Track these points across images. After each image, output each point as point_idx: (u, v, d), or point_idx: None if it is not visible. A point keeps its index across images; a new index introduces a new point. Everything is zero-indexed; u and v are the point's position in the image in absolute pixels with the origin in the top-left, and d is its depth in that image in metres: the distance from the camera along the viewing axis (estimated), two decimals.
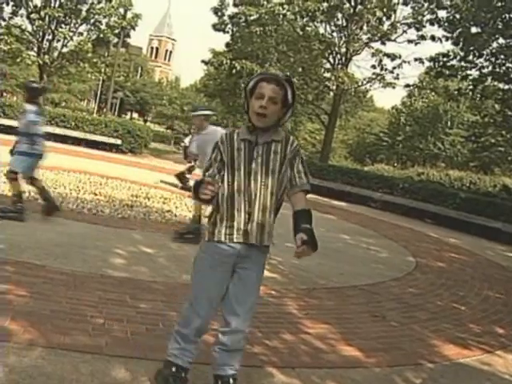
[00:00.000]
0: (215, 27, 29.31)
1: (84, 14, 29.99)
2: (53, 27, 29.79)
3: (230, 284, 2.99)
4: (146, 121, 76.86)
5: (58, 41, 30.53)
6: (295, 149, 2.99)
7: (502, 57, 20.34)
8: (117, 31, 30.71)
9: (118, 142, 24.34)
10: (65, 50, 30.97)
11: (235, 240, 2.91)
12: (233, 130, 3.06)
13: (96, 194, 10.47)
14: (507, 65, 20.47)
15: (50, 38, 30.25)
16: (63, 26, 30.30)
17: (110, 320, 4.11)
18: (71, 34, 30.29)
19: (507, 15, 19.36)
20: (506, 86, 21.40)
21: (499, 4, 19.29)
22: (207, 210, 7.40)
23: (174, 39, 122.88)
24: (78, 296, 4.54)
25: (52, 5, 29.28)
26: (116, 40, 31.75)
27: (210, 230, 3.01)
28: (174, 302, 4.85)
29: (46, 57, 29.69)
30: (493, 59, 20.74)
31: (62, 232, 6.94)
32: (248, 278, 2.99)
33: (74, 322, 3.95)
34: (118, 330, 3.95)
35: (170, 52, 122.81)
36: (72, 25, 30.45)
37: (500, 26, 19.57)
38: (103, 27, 30.51)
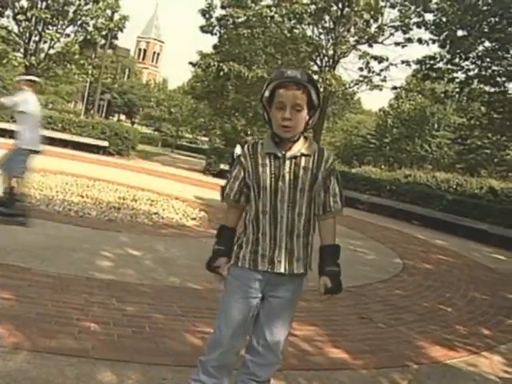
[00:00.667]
0: (203, 29, 29.26)
1: (71, 15, 29.88)
2: (39, 28, 29.69)
3: (260, 312, 2.66)
4: (133, 123, 76.58)
5: (45, 42, 30.42)
6: (331, 166, 2.62)
7: (488, 60, 20.50)
8: (104, 33, 30.62)
9: (106, 144, 24.27)
10: (52, 51, 30.91)
11: (260, 268, 2.59)
12: (255, 142, 2.69)
13: (83, 196, 10.43)
14: (493, 68, 20.64)
15: (37, 39, 30.14)
16: (50, 27, 30.18)
17: (96, 323, 4.09)
18: (58, 35, 30.17)
19: (493, 19, 19.52)
20: (492, 89, 21.57)
21: (485, 8, 19.45)
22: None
23: (161, 41, 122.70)
24: (64, 299, 4.52)
25: (39, 6, 29.16)
26: (103, 42, 31.67)
27: (235, 254, 2.68)
28: (160, 304, 4.84)
29: (33, 58, 29.55)
30: (479, 62, 20.89)
31: (48, 234, 6.90)
32: (280, 307, 2.65)
33: (60, 325, 3.93)
34: (105, 333, 3.93)
35: (158, 54, 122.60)
36: (59, 26, 30.33)
37: (486, 30, 19.72)
38: (90, 29, 30.41)
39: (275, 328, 2.65)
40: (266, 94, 2.56)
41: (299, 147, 2.58)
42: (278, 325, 2.66)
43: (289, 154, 2.56)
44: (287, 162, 2.55)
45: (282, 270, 2.57)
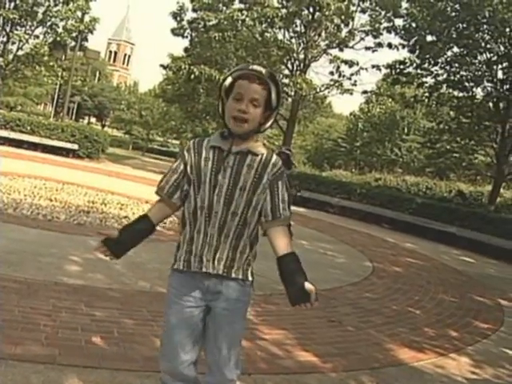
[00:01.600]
0: (174, 32, 29.22)
1: (40, 16, 29.46)
2: (7, 29, 29.26)
3: (208, 325, 2.51)
4: (103, 125, 76.10)
5: (13, 43, 29.98)
6: (279, 171, 2.47)
7: (456, 65, 20.83)
8: (74, 34, 30.30)
9: (75, 147, 24.05)
10: (20, 52, 30.44)
11: (193, 268, 2.44)
12: (202, 138, 2.57)
13: (51, 200, 10.31)
14: (461, 73, 20.97)
15: (5, 40, 29.68)
16: (18, 28, 29.76)
17: (63, 328, 4.05)
18: (27, 36, 29.77)
19: (461, 25, 19.84)
20: (461, 94, 21.89)
21: (453, 14, 19.76)
22: None
23: (132, 43, 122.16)
24: (31, 304, 4.46)
25: (6, 6, 28.76)
26: (73, 43, 31.35)
27: (174, 256, 2.55)
28: (129, 309, 4.82)
29: (1, 59, 29.15)
30: (448, 67, 21.21)
31: (16, 239, 6.80)
32: (224, 318, 2.47)
33: (27, 331, 3.88)
34: (72, 339, 3.89)
35: (129, 56, 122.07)
36: (27, 27, 29.91)
37: (454, 36, 20.04)
38: (60, 30, 30.02)
39: (221, 342, 2.48)
40: (227, 82, 2.45)
41: (248, 144, 2.45)
42: (223, 339, 2.48)
43: (234, 148, 2.43)
44: (231, 157, 2.42)
45: (210, 270, 2.41)
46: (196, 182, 2.45)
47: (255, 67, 2.41)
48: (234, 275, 2.45)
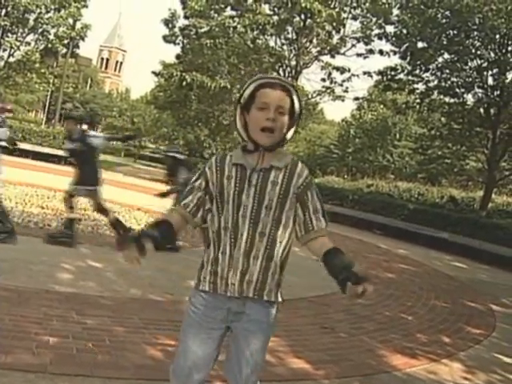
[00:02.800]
0: (166, 39, 29.25)
1: (31, 23, 29.46)
2: None
3: (231, 345, 2.45)
4: None
5: (5, 50, 29.95)
6: (306, 181, 2.38)
7: (447, 71, 20.90)
8: (66, 41, 30.26)
9: (67, 154, 23.95)
10: (11, 59, 30.40)
11: (219, 291, 2.36)
12: (225, 154, 2.45)
13: (43, 208, 10.29)
14: (452, 79, 21.03)
15: None
16: (10, 34, 29.73)
17: (54, 337, 4.02)
18: (18, 43, 29.73)
19: (451, 31, 19.92)
20: (452, 100, 21.96)
21: (444, 21, 19.85)
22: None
23: (124, 50, 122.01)
24: (22, 313, 4.44)
25: None
26: (65, 50, 31.30)
27: (198, 274, 2.45)
28: (121, 317, 4.80)
29: None
30: (439, 73, 21.28)
31: (7, 246, 6.77)
32: (245, 340, 2.39)
33: (18, 339, 3.85)
34: (63, 347, 3.87)
35: (121, 63, 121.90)
36: (19, 34, 29.89)
37: (445, 42, 20.13)
38: (51, 37, 30.02)
39: (243, 365, 2.41)
40: (248, 92, 2.33)
41: (271, 158, 2.34)
42: (245, 362, 2.40)
43: (258, 165, 2.32)
44: (254, 175, 2.31)
45: (236, 294, 2.33)
46: (219, 202, 2.35)
47: (275, 75, 2.41)
48: (266, 298, 2.36)
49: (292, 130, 2.42)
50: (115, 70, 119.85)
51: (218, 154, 2.48)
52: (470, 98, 21.57)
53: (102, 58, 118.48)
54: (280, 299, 2.42)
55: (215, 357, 2.44)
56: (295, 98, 2.35)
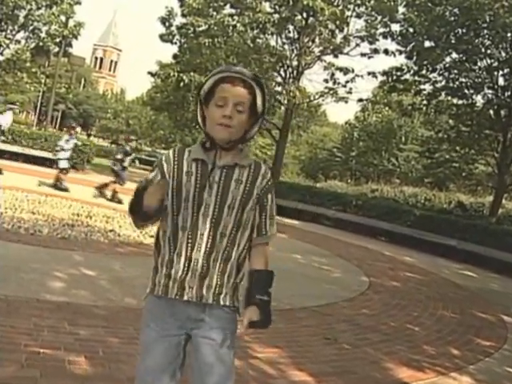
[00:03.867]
0: (162, 38, 29.24)
1: (22, 20, 29.41)
2: None
3: (192, 355, 2.33)
4: (89, 135, 76.01)
5: None
6: (268, 183, 2.36)
7: (456, 71, 20.89)
8: (58, 40, 30.22)
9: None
10: (0, 58, 30.38)
11: (170, 295, 2.28)
12: (182, 147, 2.41)
13: (34, 213, 10.26)
14: (460, 80, 21.02)
15: None
16: None
17: (45, 348, 4.00)
18: (7, 41, 29.70)
19: (460, 30, 19.91)
20: (460, 101, 21.95)
21: (452, 18, 19.84)
22: None
23: (119, 49, 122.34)
24: (12, 323, 4.42)
25: None
26: (57, 49, 31.29)
27: (151, 279, 2.38)
28: (115, 327, 4.78)
29: None
30: (446, 74, 21.28)
31: None
32: (209, 350, 2.27)
33: (6, 352, 3.83)
34: (55, 359, 3.85)
35: (116, 63, 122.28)
36: (8, 31, 29.86)
37: (453, 41, 20.11)
38: (43, 35, 29.99)
39: (208, 377, 2.27)
40: (207, 85, 2.28)
41: (234, 156, 2.30)
42: (211, 375, 2.27)
43: (220, 162, 2.28)
44: (217, 171, 2.27)
45: (195, 299, 2.26)
46: (176, 199, 2.28)
47: (238, 69, 2.28)
48: (222, 302, 2.29)
49: (255, 129, 2.37)
50: (110, 69, 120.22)
51: (176, 147, 2.43)
52: (479, 100, 21.60)
53: (96, 58, 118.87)
54: (236, 304, 2.35)
55: (179, 365, 2.34)
56: (258, 94, 2.29)
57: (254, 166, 2.34)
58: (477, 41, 19.90)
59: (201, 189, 2.25)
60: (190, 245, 2.26)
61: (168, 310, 2.30)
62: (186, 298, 2.26)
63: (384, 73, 23.25)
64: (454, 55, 20.84)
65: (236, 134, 2.27)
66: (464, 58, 20.45)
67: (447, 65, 20.97)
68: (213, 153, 2.30)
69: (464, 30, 19.81)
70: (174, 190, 2.28)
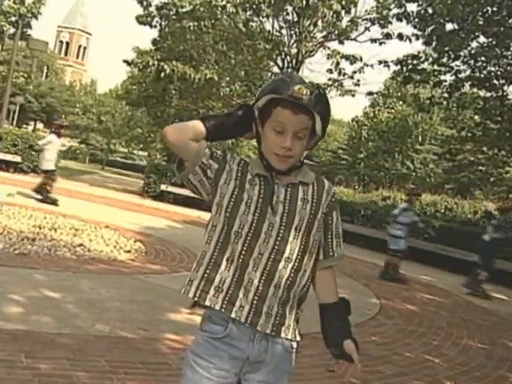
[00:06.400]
0: (140, 20, 29.23)
1: None
2: None
3: None
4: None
5: None
6: (332, 199, 2.45)
7: (483, 59, 20.73)
8: (13, 19, 29.99)
9: (18, 159, 23.89)
10: None
11: (208, 302, 2.31)
12: (245, 160, 2.45)
13: None
14: (489, 68, 20.87)
15: None
16: None
17: None
18: None
19: (490, 8, 19.63)
20: (488, 94, 21.84)
21: None
22: None
23: (88, 33, 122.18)
24: None
25: None
26: (12, 30, 31.13)
27: (187, 282, 2.38)
28: (83, 359, 4.75)
29: None
30: (471, 62, 21.14)
31: None
32: None
33: None
34: None
35: (84, 48, 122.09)
36: None
37: (481, 22, 19.92)
38: None
39: None
40: (262, 102, 2.29)
41: (295, 174, 2.38)
42: None
43: (284, 180, 2.35)
44: (281, 190, 2.33)
45: (243, 319, 2.27)
46: (234, 198, 2.32)
47: (299, 90, 2.22)
48: (283, 334, 2.34)
49: (312, 144, 2.43)
50: (77, 56, 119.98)
51: (241, 159, 2.44)
52: (511, 91, 21.54)
53: (61, 42, 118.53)
54: (299, 338, 2.42)
55: None
56: (317, 120, 2.30)
57: (317, 182, 2.43)
58: (510, 21, 19.78)
59: (264, 204, 2.30)
60: (243, 258, 2.29)
61: (224, 346, 2.31)
62: (234, 316, 2.27)
63: (398, 61, 23.18)
64: (482, 39, 20.61)
65: (293, 163, 2.35)
66: (494, 43, 20.23)
67: (473, 51, 20.78)
68: (269, 172, 2.34)
69: (494, 9, 19.61)
70: (231, 195, 2.32)
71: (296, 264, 2.33)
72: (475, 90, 22.30)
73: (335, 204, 2.46)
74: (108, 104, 62.82)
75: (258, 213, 2.29)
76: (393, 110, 54.33)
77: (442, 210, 24.61)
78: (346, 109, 78.34)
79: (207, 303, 2.29)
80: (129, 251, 10.53)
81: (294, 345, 2.41)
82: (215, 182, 2.34)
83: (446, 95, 22.88)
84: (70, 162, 43.33)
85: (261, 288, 2.28)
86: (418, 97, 26.98)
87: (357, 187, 36.81)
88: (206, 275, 2.32)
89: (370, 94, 28.80)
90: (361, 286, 11.09)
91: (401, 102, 46.02)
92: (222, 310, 2.27)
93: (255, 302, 2.28)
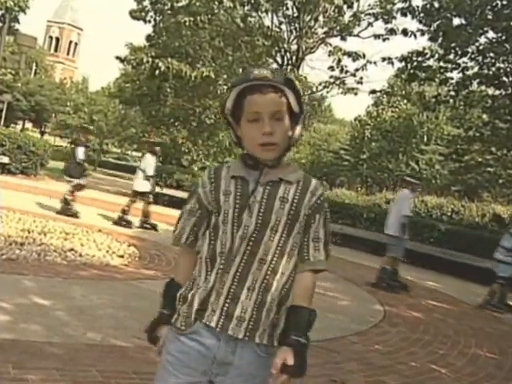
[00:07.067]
0: (133, 15, 29.25)
1: None
2: None
3: None
4: (43, 133, 75.99)
5: None
6: (318, 201, 2.42)
7: (492, 55, 20.70)
8: (0, 13, 30.02)
9: (5, 160, 23.86)
10: None
11: (194, 327, 2.36)
12: (220, 165, 2.50)
13: None
14: (497, 65, 20.83)
15: None
16: None
17: None
18: None
19: (499, 2, 19.57)
20: (497, 92, 21.82)
21: None
22: None
23: (79, 28, 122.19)
24: None
25: None
26: None
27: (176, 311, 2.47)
28: (74, 369, 4.74)
29: None
30: (480, 58, 21.11)
31: None
32: None
33: None
34: None
35: (75, 44, 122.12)
36: None
37: (490, 17, 19.88)
38: None
39: None
40: (229, 104, 2.37)
41: (279, 171, 2.37)
42: None
43: (263, 178, 2.35)
44: (259, 189, 2.33)
45: (213, 324, 2.32)
46: (215, 223, 2.39)
47: (260, 72, 2.30)
48: (257, 340, 2.33)
49: (298, 130, 2.44)
50: (68, 53, 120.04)
51: (212, 167, 2.52)
52: None
53: (51, 37, 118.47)
54: (275, 344, 2.38)
55: None
56: (290, 94, 2.35)
57: (303, 181, 2.41)
58: None
59: (240, 209, 2.33)
60: (220, 270, 2.34)
61: (193, 348, 2.36)
62: (205, 321, 2.33)
63: (402, 58, 23.15)
64: (491, 34, 20.49)
65: (282, 146, 2.37)
66: (503, 38, 20.19)
67: (481, 47, 20.70)
68: (256, 171, 2.37)
69: (504, 2, 19.53)
70: (211, 214, 2.41)
71: (272, 266, 2.34)
72: (483, 87, 22.25)
73: (321, 207, 2.44)
74: (100, 103, 62.77)
75: (236, 220, 2.32)
76: (397, 109, 54.37)
77: (449, 213, 24.62)
78: (348, 108, 78.72)
79: (193, 327, 2.35)
80: (122, 256, 10.53)
81: (270, 350, 2.37)
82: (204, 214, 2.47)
83: (452, 93, 22.82)
84: (60, 162, 43.17)
85: (233, 291, 2.31)
86: (423, 95, 26.97)
87: (359, 189, 36.77)
88: (199, 303, 2.37)
89: (373, 92, 28.68)
90: (364, 292, 11.09)
91: (405, 101, 45.94)
92: (196, 316, 2.35)
93: (227, 305, 2.31)
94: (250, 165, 2.37)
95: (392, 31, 25.09)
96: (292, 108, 2.36)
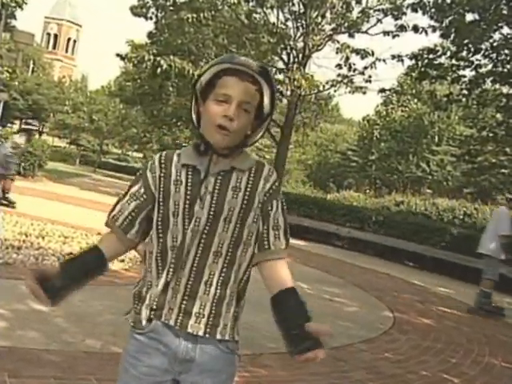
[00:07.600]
0: (134, 11, 29.28)
1: None
2: None
3: None
4: (41, 133, 76.00)
5: None
6: (273, 187, 2.39)
7: (506, 52, 20.62)
8: None
9: None
10: None
11: (152, 326, 2.36)
12: (170, 152, 2.44)
13: None
14: None
15: None
16: None
17: None
18: None
19: None
20: (511, 90, 21.78)
21: None
22: None
23: (78, 24, 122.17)
24: None
25: None
26: None
27: (134, 311, 2.48)
28: (73, 377, 4.74)
29: None
30: (493, 55, 21.02)
31: None
32: None
33: None
34: None
35: (74, 41, 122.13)
36: None
37: (505, 12, 19.76)
38: None
39: None
40: (204, 78, 2.34)
41: (231, 160, 2.34)
42: None
43: (214, 167, 2.33)
44: (210, 179, 2.31)
45: (172, 323, 2.31)
46: (163, 214, 2.35)
47: (243, 59, 2.31)
48: (219, 336, 2.32)
49: (259, 134, 2.45)
50: (67, 50, 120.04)
51: (163, 152, 2.48)
52: None
53: (49, 34, 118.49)
54: (237, 338, 2.39)
55: None
56: (266, 91, 2.35)
57: (256, 168, 2.38)
58: None
59: (192, 200, 2.30)
60: (173, 264, 2.30)
61: (152, 347, 2.34)
62: (163, 320, 2.31)
63: (412, 56, 23.14)
64: (506, 30, 20.38)
65: (234, 141, 2.32)
66: None
67: (495, 43, 20.58)
68: (207, 158, 2.34)
69: None
70: (160, 204, 2.36)
71: (228, 258, 2.32)
72: (497, 86, 22.19)
73: (276, 192, 2.40)
74: (100, 102, 62.84)
75: (187, 211, 2.30)
76: (407, 109, 54.29)
77: (461, 217, 24.59)
78: (356, 107, 78.67)
79: (162, 320, 2.33)
80: (123, 260, 10.50)
81: (233, 345, 2.37)
82: (149, 201, 2.41)
83: (465, 92, 22.74)
84: (59, 163, 43.37)
85: (189, 287, 2.30)
86: (434, 94, 26.94)
87: (368, 191, 36.86)
88: (152, 299, 2.37)
89: (382, 91, 28.68)
90: (372, 298, 11.07)
91: (416, 100, 45.97)
92: (152, 315, 2.34)
93: (185, 302, 2.31)
94: (202, 152, 2.34)
95: (402, 28, 25.08)
96: (263, 107, 2.37)
